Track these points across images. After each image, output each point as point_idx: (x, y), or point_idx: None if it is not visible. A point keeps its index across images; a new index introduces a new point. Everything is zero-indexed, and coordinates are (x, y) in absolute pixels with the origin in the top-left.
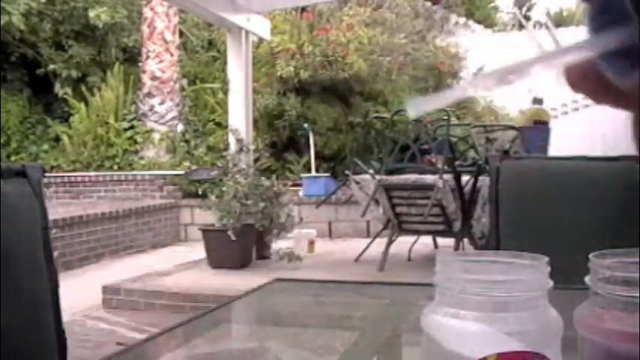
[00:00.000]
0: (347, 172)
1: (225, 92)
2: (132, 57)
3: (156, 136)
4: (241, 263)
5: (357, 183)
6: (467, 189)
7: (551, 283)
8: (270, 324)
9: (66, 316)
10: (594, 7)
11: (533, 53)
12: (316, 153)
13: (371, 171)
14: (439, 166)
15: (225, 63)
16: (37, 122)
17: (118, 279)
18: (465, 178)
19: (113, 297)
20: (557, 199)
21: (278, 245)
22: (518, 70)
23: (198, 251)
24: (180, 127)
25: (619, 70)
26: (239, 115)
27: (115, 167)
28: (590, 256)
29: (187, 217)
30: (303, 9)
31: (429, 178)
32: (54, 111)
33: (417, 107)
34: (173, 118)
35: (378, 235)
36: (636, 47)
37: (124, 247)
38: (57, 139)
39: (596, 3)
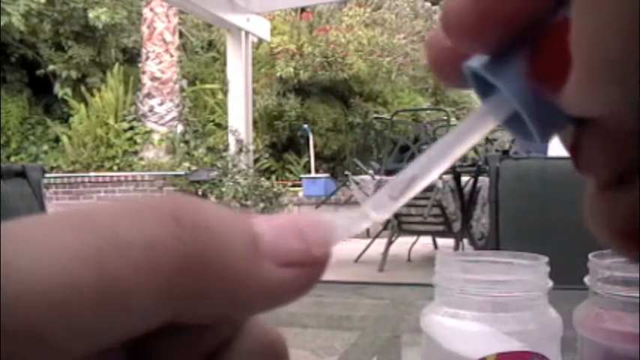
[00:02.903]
0: (347, 172)
1: (225, 93)
2: (132, 58)
3: (155, 137)
4: None
5: (357, 183)
6: (466, 189)
7: (551, 283)
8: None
9: None
10: (469, 74)
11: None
12: (316, 153)
13: (371, 171)
14: None
15: (225, 64)
16: (37, 123)
17: None
18: (464, 178)
19: None
20: (557, 199)
21: None
22: (416, 182)
23: None
24: (179, 128)
25: (527, 137)
26: (239, 116)
27: (115, 168)
28: (590, 256)
29: None
30: (303, 9)
31: None
32: (54, 112)
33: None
34: (173, 119)
35: (377, 235)
36: (520, 113)
37: None
38: (57, 139)
39: (468, 70)
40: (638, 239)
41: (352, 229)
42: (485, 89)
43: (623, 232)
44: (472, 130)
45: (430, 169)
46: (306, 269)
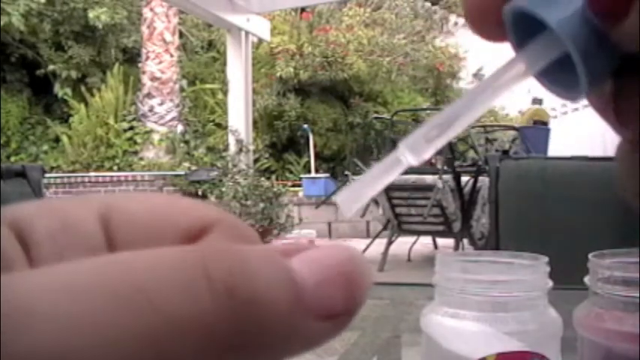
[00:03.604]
0: (347, 172)
1: (225, 93)
2: (132, 58)
3: (155, 137)
4: None
5: None
6: (466, 189)
7: (550, 283)
8: None
9: None
10: (510, 19)
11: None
12: (316, 153)
13: None
14: (439, 166)
15: (224, 64)
16: (37, 123)
17: None
18: (464, 178)
19: None
20: (557, 199)
21: None
22: (451, 125)
23: None
24: (179, 128)
25: (568, 87)
26: (239, 116)
27: (115, 168)
28: (590, 256)
29: None
30: (303, 9)
31: (428, 179)
32: (54, 112)
33: (351, 205)
34: (173, 119)
35: (377, 235)
36: (568, 55)
37: None
38: (57, 139)
39: (510, 15)
40: None
41: (386, 176)
42: (523, 39)
43: None
44: (506, 78)
45: (464, 115)
46: (344, 318)
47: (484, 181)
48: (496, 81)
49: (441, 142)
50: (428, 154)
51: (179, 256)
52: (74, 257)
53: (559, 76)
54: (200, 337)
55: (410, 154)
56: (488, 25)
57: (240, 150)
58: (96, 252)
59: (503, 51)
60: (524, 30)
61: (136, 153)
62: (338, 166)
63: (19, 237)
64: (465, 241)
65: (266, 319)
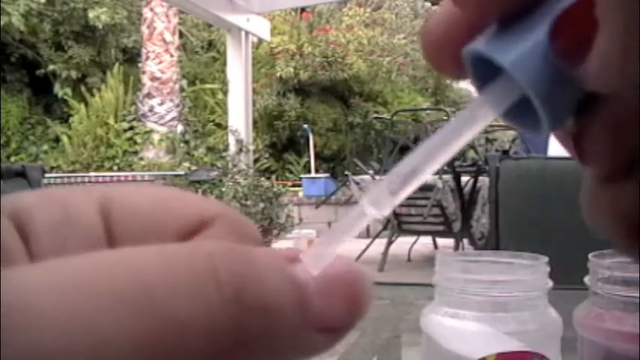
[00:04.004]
0: (347, 172)
1: (225, 93)
2: (132, 58)
3: (155, 137)
4: None
5: (357, 183)
6: (466, 189)
7: (550, 283)
8: None
9: None
10: (470, 61)
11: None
12: (316, 153)
13: (371, 171)
14: None
15: (225, 64)
16: (37, 123)
17: None
18: (464, 178)
19: None
20: (557, 199)
21: (278, 246)
22: (417, 174)
23: None
24: (179, 128)
25: (533, 124)
26: (239, 116)
27: (115, 168)
28: (590, 256)
29: None
30: (303, 9)
31: (428, 179)
32: (54, 112)
33: (318, 263)
34: (173, 119)
35: (377, 235)
36: (527, 99)
37: None
38: (57, 139)
39: (469, 57)
40: None
41: (352, 230)
42: (485, 78)
43: (628, 225)
44: (471, 121)
45: (430, 162)
46: (343, 330)
47: (484, 181)
48: (460, 124)
49: (405, 193)
50: (391, 206)
51: (186, 256)
52: (74, 249)
53: (524, 113)
54: (202, 340)
55: (373, 208)
56: (447, 66)
57: (240, 150)
58: (96, 244)
59: None
60: (486, 69)
61: (136, 153)
62: (338, 166)
63: (18, 227)
64: (465, 241)
65: (271, 325)
